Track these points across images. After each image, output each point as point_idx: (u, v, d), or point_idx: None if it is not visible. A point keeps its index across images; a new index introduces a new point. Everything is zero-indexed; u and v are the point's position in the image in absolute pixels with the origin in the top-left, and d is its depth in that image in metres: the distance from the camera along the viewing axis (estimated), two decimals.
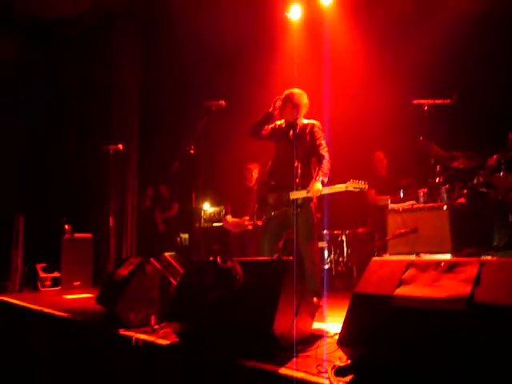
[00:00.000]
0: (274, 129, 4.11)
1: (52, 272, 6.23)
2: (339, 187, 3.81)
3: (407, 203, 4.78)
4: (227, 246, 6.23)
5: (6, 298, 4.90)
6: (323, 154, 3.92)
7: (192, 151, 3.89)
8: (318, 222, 4.01)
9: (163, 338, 2.77)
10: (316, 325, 2.79)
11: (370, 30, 6.11)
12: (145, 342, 2.77)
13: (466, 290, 1.69)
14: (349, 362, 1.99)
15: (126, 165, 7.19)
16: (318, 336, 2.62)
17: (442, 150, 5.11)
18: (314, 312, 2.70)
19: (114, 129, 7.41)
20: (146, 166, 7.52)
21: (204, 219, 8.14)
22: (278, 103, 4.04)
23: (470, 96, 5.08)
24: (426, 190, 4.78)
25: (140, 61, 7.51)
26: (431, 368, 1.65)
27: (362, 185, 3.77)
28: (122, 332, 2.98)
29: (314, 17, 6.58)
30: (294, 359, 2.19)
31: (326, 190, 3.83)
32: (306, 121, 4.08)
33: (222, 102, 4.08)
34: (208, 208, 8.19)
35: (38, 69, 7.99)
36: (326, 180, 3.83)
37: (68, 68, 8.35)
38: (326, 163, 3.87)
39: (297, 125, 4.02)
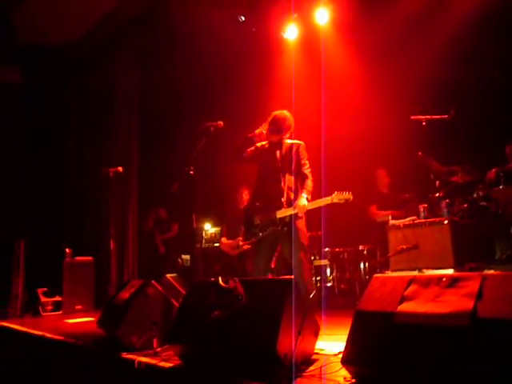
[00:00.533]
0: (256, 150, 4.19)
1: (53, 296, 6.18)
2: (325, 200, 3.88)
3: (408, 219, 4.78)
4: (229, 266, 6.21)
5: (6, 324, 4.86)
6: (307, 173, 4.04)
7: (191, 172, 3.91)
8: (307, 238, 4.03)
9: (166, 360, 2.74)
10: (320, 343, 2.76)
11: (366, 48, 6.17)
12: (147, 365, 2.74)
13: (469, 304, 1.69)
14: (353, 380, 1.97)
15: (126, 187, 7.20)
16: (322, 355, 2.60)
17: (441, 164, 5.13)
18: (317, 330, 2.68)
19: (114, 152, 7.44)
20: (146, 187, 7.53)
21: (205, 239, 8.14)
22: (259, 130, 4.15)
23: (467, 110, 5.12)
24: (426, 205, 4.79)
25: (139, 84, 7.59)
26: None
27: (346, 196, 3.82)
28: (124, 355, 2.95)
29: (310, 36, 6.68)
30: (299, 379, 2.17)
31: (312, 205, 3.90)
32: (290, 141, 4.17)
33: (221, 123, 4.11)
34: (209, 228, 8.19)
35: (37, 94, 8.09)
36: (309, 197, 3.92)
37: (68, 92, 8.44)
38: (309, 182, 3.99)
39: (282, 145, 4.14)
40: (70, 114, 8.45)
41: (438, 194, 4.83)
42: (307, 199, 3.88)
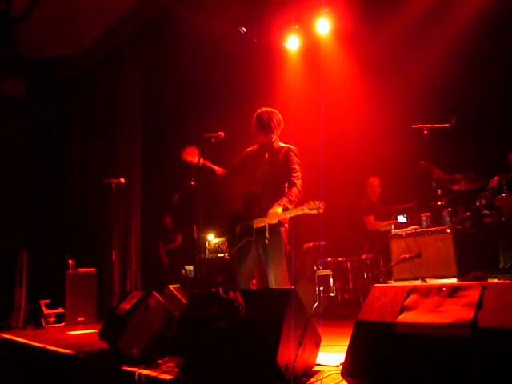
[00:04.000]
0: (245, 156, 4.02)
1: (56, 308, 6.17)
2: (295, 211, 3.65)
3: (410, 228, 4.76)
4: (232, 276, 6.17)
5: (8, 336, 4.85)
6: (295, 181, 3.74)
7: (192, 183, 3.90)
8: (287, 247, 3.77)
9: (166, 372, 2.72)
10: (322, 354, 2.73)
11: (367, 57, 6.20)
12: (148, 377, 2.72)
13: (469, 315, 1.67)
14: None
15: (128, 198, 7.21)
16: (324, 366, 2.57)
17: (444, 173, 5.12)
18: (319, 341, 2.66)
19: (116, 163, 7.47)
20: (149, 198, 7.53)
21: (209, 250, 8.12)
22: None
23: (469, 119, 5.12)
24: (428, 213, 4.77)
25: (142, 95, 7.63)
26: None
27: (317, 205, 3.56)
28: (125, 368, 2.93)
29: (311, 46, 6.71)
30: None
31: (283, 215, 3.66)
32: (282, 144, 3.95)
33: (221, 134, 4.07)
34: (212, 239, 8.17)
35: (41, 106, 8.15)
36: (290, 206, 3.64)
37: (71, 104, 8.50)
38: (295, 191, 3.68)
39: (272, 148, 3.91)
40: (73, 125, 8.50)
41: (440, 203, 4.81)
42: (285, 207, 3.63)
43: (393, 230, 4.91)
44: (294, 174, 3.77)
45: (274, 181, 3.80)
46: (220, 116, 6.75)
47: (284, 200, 3.63)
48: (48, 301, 6.17)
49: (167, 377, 2.64)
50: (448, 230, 4.41)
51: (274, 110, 3.94)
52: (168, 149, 7.58)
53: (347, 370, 1.93)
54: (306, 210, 3.59)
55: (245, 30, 6.88)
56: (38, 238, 7.30)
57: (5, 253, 6.54)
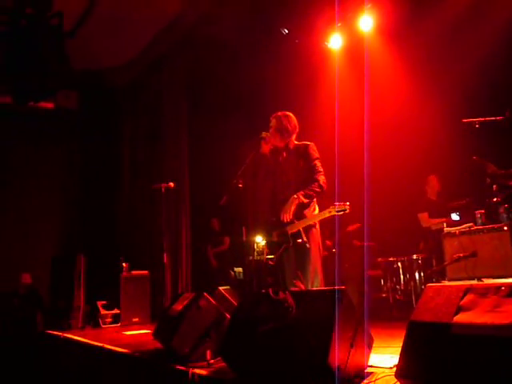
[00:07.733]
0: (261, 158, 3.99)
1: (112, 309, 6.40)
2: (323, 214, 3.68)
3: (464, 226, 4.60)
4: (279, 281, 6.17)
5: (69, 335, 5.08)
6: (317, 177, 3.74)
7: (240, 185, 3.93)
8: (320, 248, 3.84)
9: (219, 372, 2.76)
10: (374, 356, 2.70)
11: (413, 51, 6.05)
12: (201, 376, 2.77)
13: None
14: None
15: (178, 202, 7.36)
16: (377, 368, 2.53)
17: (498, 168, 4.91)
18: (371, 343, 2.62)
19: (165, 167, 7.65)
20: (198, 201, 7.66)
21: (257, 252, 8.15)
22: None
23: None
24: (483, 211, 4.59)
25: (187, 100, 7.77)
26: None
27: (344, 206, 3.56)
28: (179, 367, 3.00)
29: (354, 44, 6.62)
30: None
31: (310, 221, 3.72)
32: (297, 142, 3.95)
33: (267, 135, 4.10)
34: (260, 241, 8.21)
35: (91, 117, 8.48)
36: (306, 200, 3.67)
37: (119, 112, 8.78)
38: (315, 185, 3.70)
39: (289, 149, 3.91)
40: (123, 132, 8.78)
41: (495, 199, 4.62)
42: (300, 201, 3.66)
43: (445, 229, 4.77)
44: (315, 171, 3.78)
45: (299, 183, 3.80)
46: (265, 118, 6.79)
47: (300, 195, 3.66)
48: (104, 302, 6.41)
49: (220, 376, 2.68)
50: (505, 228, 4.23)
51: (290, 113, 3.98)
52: (216, 150, 7.71)
53: (401, 371, 1.89)
54: (334, 212, 3.61)
55: (286, 31, 6.89)
56: (94, 243, 7.58)
57: (64, 258, 6.84)
